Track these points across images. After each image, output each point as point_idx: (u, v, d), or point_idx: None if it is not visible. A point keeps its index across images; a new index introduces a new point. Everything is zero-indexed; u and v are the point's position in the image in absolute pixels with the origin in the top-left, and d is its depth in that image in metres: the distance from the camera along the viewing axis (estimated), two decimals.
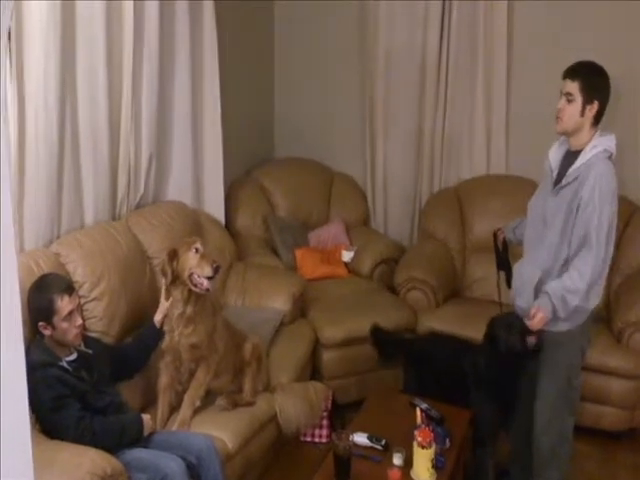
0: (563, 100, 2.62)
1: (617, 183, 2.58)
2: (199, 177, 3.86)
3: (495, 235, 3.15)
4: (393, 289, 4.03)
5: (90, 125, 3.06)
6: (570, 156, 2.67)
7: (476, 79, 4.30)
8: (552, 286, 2.62)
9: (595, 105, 2.57)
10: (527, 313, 2.73)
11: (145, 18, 3.27)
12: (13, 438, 1.35)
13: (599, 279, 2.60)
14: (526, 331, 2.74)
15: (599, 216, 2.52)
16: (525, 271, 2.77)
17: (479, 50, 4.24)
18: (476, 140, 4.39)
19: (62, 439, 2.33)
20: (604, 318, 3.75)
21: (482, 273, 4.09)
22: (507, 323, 2.84)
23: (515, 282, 2.85)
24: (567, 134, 2.68)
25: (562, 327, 2.70)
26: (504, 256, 3.12)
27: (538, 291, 2.69)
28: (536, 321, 2.64)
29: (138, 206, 3.46)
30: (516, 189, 4.17)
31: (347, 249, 4.38)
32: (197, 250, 2.76)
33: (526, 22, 4.15)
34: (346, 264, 4.33)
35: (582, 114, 2.59)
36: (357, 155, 4.75)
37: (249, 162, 4.67)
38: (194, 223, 3.60)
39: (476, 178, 4.40)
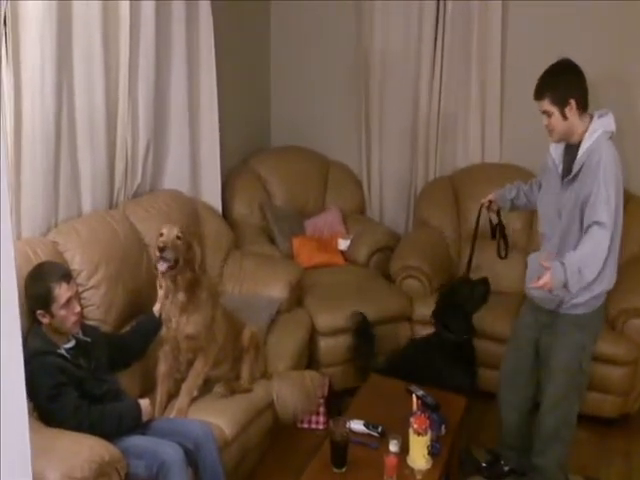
0: (545, 117, 2.65)
1: (620, 164, 2.59)
2: (196, 165, 3.86)
3: (482, 208, 3.18)
4: (389, 277, 4.04)
5: (87, 113, 3.06)
6: (571, 149, 2.68)
7: (470, 68, 4.29)
8: (568, 257, 2.55)
9: (572, 103, 2.59)
10: (542, 301, 2.79)
11: (142, 4, 3.25)
12: (11, 426, 1.36)
13: (611, 257, 2.60)
14: (484, 282, 3.21)
15: (606, 198, 2.52)
16: (540, 259, 2.75)
17: (473, 40, 4.24)
18: (471, 129, 4.39)
19: (60, 427, 2.34)
20: None
21: (477, 261, 4.08)
22: (467, 280, 3.25)
23: (529, 271, 2.87)
24: (564, 139, 2.69)
25: (581, 310, 2.73)
26: (501, 225, 3.18)
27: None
28: (540, 282, 2.54)
29: (135, 194, 3.46)
30: (511, 177, 4.09)
31: (343, 237, 4.38)
32: (162, 234, 2.79)
33: (521, 12, 4.14)
34: (342, 252, 4.34)
35: (565, 118, 2.61)
36: (353, 144, 4.75)
37: (246, 151, 4.65)
38: (191, 211, 3.61)
39: (471, 166, 4.41)
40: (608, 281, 2.71)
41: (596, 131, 2.59)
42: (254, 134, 4.85)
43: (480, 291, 3.24)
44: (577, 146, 2.63)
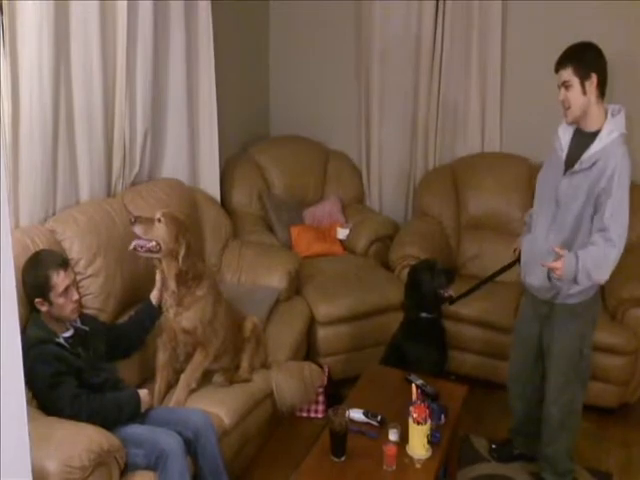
0: (562, 90, 2.59)
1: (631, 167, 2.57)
2: (195, 154, 3.84)
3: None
4: (388, 266, 4.04)
5: (85, 101, 3.03)
6: (581, 136, 2.63)
7: (470, 57, 4.27)
8: (584, 257, 2.54)
9: (593, 78, 2.54)
10: (539, 290, 2.77)
11: None
12: (9, 415, 1.36)
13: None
14: (448, 273, 3.06)
15: (618, 205, 2.51)
16: (537, 249, 2.74)
17: (474, 31, 4.21)
18: (470, 119, 4.38)
19: (58, 416, 2.33)
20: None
21: (477, 250, 4.10)
22: (430, 266, 3.11)
23: (525, 257, 2.83)
24: (578, 120, 2.63)
25: (576, 299, 2.72)
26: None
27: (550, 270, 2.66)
28: (554, 264, 2.56)
29: (133, 183, 3.44)
30: (510, 167, 4.18)
31: (342, 227, 4.37)
32: None
33: (521, 3, 4.11)
34: (341, 242, 4.33)
35: (584, 92, 2.55)
36: (353, 133, 4.73)
37: (245, 140, 4.64)
38: (190, 200, 3.59)
39: (471, 155, 4.39)
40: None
41: (613, 132, 2.54)
42: (253, 123, 4.83)
43: (440, 280, 3.10)
44: (589, 136, 2.59)
